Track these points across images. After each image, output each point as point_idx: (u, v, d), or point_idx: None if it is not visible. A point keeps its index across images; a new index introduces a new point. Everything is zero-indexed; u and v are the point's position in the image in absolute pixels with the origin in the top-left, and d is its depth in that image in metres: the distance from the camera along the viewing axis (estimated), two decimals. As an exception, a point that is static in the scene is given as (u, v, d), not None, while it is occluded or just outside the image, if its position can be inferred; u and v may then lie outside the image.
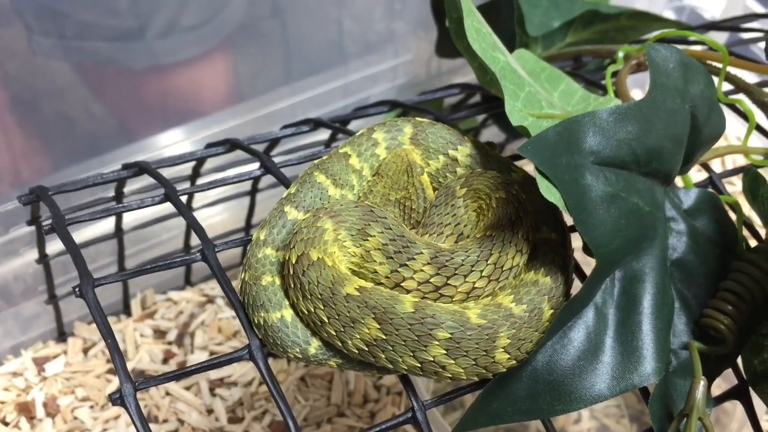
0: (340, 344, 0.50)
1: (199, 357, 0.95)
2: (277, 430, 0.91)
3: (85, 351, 0.96)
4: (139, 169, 0.65)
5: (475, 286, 0.51)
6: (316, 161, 0.58)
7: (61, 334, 0.97)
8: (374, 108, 0.76)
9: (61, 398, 0.92)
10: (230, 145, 0.69)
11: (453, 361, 0.49)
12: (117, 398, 0.49)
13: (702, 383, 0.54)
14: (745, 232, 0.64)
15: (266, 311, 0.51)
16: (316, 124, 0.72)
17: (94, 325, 0.99)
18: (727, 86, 0.70)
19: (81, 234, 0.91)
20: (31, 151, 1.14)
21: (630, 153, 0.53)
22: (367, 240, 0.52)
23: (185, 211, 0.58)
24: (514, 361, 0.51)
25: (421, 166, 0.58)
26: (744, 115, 0.66)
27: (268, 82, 1.20)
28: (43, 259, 0.84)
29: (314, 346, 0.51)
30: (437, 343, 0.48)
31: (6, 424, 0.90)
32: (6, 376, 0.94)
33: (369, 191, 0.58)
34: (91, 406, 0.92)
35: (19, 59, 1.04)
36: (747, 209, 0.63)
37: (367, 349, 0.49)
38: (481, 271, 0.51)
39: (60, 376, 0.94)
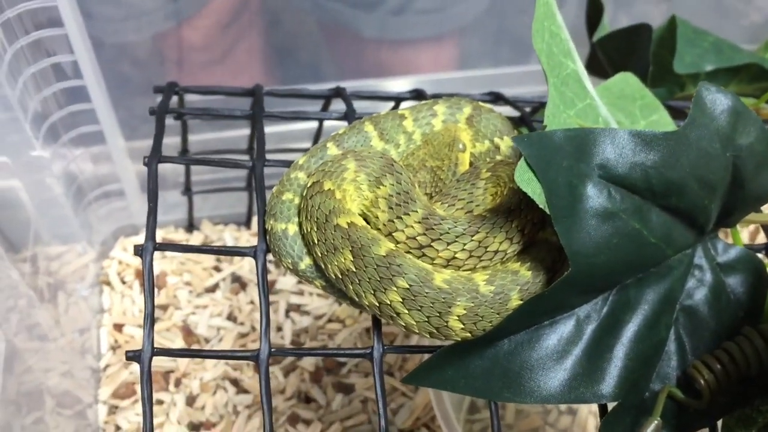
0: (323, 266, 0.57)
1: (286, 279, 1.05)
2: (330, 365, 0.98)
3: (203, 245, 1.10)
4: (251, 93, 0.75)
5: (456, 256, 0.55)
6: (373, 115, 0.64)
7: (191, 226, 1.12)
8: (483, 96, 0.80)
9: (170, 276, 1.06)
10: (335, 92, 0.77)
11: (407, 311, 0.53)
12: (140, 250, 0.59)
13: (654, 423, 0.54)
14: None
15: (275, 220, 0.59)
16: (419, 95, 0.78)
17: (218, 227, 1.13)
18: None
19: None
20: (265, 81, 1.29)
21: (644, 179, 0.53)
22: (379, 188, 0.58)
23: (260, 127, 0.67)
24: (469, 334, 0.54)
25: (464, 144, 0.62)
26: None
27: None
28: (185, 153, 0.98)
29: (305, 263, 0.58)
30: (395, 289, 0.53)
31: (123, 282, 1.07)
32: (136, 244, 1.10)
33: (411, 153, 0.63)
34: (190, 291, 1.05)
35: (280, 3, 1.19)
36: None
37: (341, 277, 0.55)
38: (464, 244, 0.55)
39: (177, 259, 1.08)
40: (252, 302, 1.03)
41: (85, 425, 0.96)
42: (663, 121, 0.70)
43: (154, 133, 0.65)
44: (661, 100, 0.88)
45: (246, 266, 1.07)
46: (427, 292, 0.53)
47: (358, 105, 0.76)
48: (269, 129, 1.09)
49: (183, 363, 0.99)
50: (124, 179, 1.05)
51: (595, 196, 0.53)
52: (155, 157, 0.62)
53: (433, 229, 0.55)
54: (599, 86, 0.71)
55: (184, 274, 1.07)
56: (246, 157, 1.01)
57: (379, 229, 0.57)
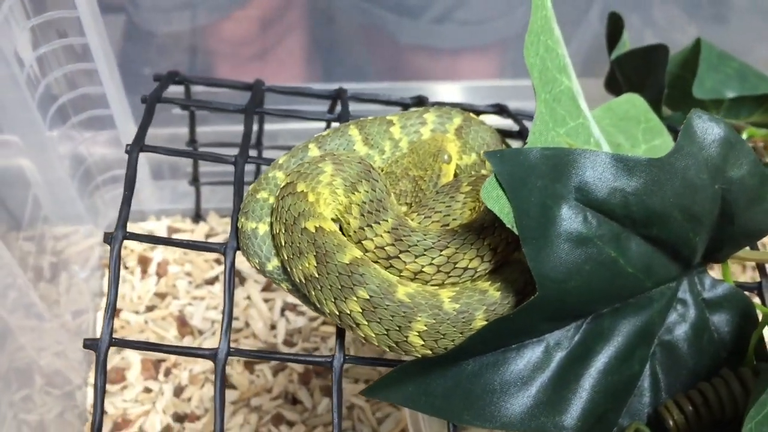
0: (289, 270, 0.55)
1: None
2: (319, 369, 0.97)
3: (207, 237, 1.10)
4: (250, 87, 0.75)
5: (423, 269, 0.53)
6: (360, 119, 0.63)
7: (197, 216, 1.12)
8: (487, 107, 0.78)
9: (171, 265, 1.06)
10: (336, 93, 0.76)
11: (366, 323, 0.52)
12: (109, 239, 0.58)
13: (617, 461, 0.52)
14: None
15: (246, 218, 0.58)
16: (420, 102, 0.76)
17: (225, 219, 1.13)
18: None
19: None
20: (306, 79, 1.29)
21: (623, 205, 0.51)
22: (354, 194, 0.56)
23: (249, 123, 0.66)
24: (429, 351, 0.53)
25: (449, 155, 0.60)
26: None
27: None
28: (192, 143, 0.98)
29: (273, 264, 0.57)
30: (355, 299, 0.52)
31: (126, 267, 1.07)
32: (143, 229, 1.11)
33: (396, 161, 0.62)
34: (189, 282, 1.05)
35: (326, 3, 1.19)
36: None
37: (304, 282, 0.54)
38: (432, 258, 0.53)
39: (180, 249, 1.08)
40: (249, 297, 1.03)
41: (72, 406, 0.96)
42: (665, 147, 0.67)
43: (140, 121, 0.65)
44: (677, 124, 0.85)
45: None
46: (387, 305, 0.51)
47: (375, 109, 0.75)
48: (282, 126, 1.08)
49: (175, 353, 0.99)
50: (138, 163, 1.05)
51: (569, 219, 0.50)
52: (137, 146, 0.62)
53: (401, 240, 0.53)
54: (602, 106, 0.69)
55: (186, 264, 1.06)
56: (252, 153, 1.00)
57: (350, 236, 0.56)
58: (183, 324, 1.01)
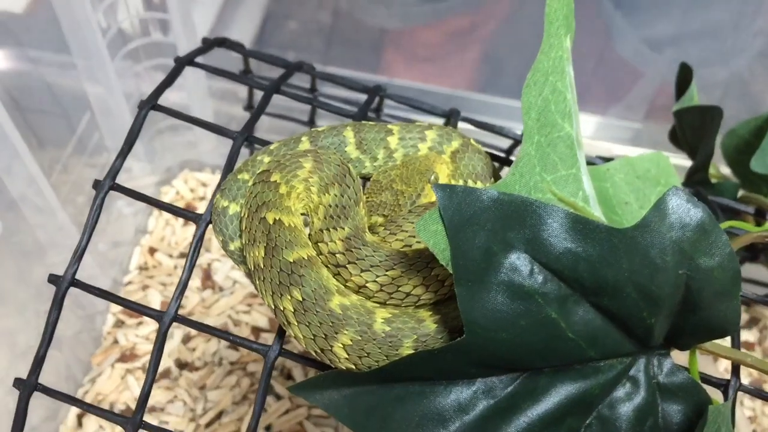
0: (245, 255, 0.56)
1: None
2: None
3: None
4: (287, 65, 0.76)
5: (366, 285, 0.53)
6: (362, 122, 0.63)
7: (249, 178, 1.15)
8: (521, 136, 0.76)
9: (212, 219, 1.10)
10: (375, 88, 0.76)
11: (296, 323, 0.52)
12: (97, 184, 0.61)
13: None
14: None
15: (221, 195, 0.59)
16: (451, 114, 0.75)
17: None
18: None
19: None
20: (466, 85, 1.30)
21: (572, 268, 0.49)
22: (324, 195, 0.56)
23: (264, 101, 0.67)
24: (353, 366, 0.53)
25: (437, 176, 0.59)
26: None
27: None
28: (249, 109, 1.00)
29: (235, 245, 0.58)
30: (289, 298, 0.52)
31: (172, 211, 1.12)
32: (197, 180, 1.15)
33: (385, 171, 0.61)
34: (224, 238, 1.08)
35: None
36: None
37: (253, 270, 0.55)
38: (377, 276, 0.53)
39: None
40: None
41: (90, 329, 1.02)
42: (678, 215, 0.63)
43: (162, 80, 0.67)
44: (723, 193, 0.80)
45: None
46: (317, 311, 0.51)
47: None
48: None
49: (193, 301, 1.03)
50: (198, 115, 1.09)
51: (513, 269, 0.49)
52: (149, 103, 0.65)
53: (351, 251, 0.53)
54: (622, 159, 0.65)
55: (226, 221, 1.10)
56: (305, 129, 1.02)
57: (311, 236, 0.56)
58: (207, 277, 1.04)
